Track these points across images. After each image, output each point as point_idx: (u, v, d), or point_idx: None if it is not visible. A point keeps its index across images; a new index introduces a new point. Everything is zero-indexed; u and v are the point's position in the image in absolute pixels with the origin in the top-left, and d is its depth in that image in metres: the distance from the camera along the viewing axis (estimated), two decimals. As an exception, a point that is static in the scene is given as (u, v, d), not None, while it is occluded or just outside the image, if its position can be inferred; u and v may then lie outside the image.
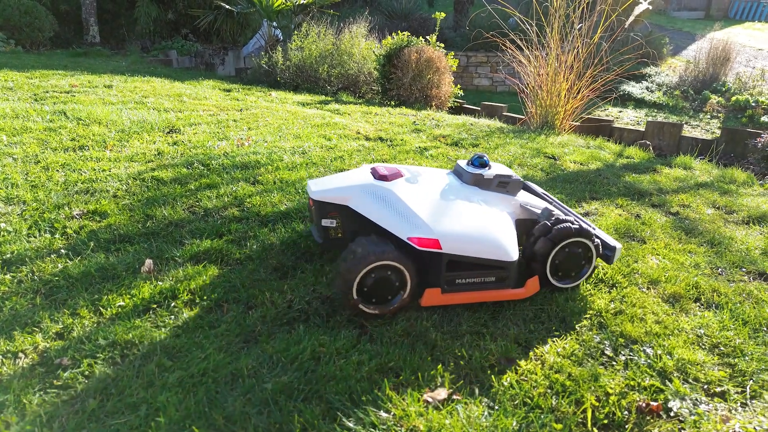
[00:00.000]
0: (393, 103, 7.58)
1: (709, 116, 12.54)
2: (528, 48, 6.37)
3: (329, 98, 7.47)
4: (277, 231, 2.87)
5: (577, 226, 2.39)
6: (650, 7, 5.94)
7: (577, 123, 6.64)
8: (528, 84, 6.48)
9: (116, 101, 5.51)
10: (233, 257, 2.61)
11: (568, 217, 2.45)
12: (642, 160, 5.01)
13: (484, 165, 2.63)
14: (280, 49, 8.31)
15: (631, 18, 5.84)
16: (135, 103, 5.48)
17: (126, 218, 2.92)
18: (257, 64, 8.67)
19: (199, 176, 3.56)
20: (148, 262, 2.48)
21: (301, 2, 9.45)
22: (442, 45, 7.63)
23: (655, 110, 13.00)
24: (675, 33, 19.60)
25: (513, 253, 2.28)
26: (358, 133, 4.99)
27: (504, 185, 2.60)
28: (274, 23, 9.58)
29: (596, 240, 2.46)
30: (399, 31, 7.61)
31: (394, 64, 7.44)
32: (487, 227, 2.32)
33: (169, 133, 4.52)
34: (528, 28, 6.28)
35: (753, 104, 12.47)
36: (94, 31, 12.27)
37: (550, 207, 2.58)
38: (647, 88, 14.23)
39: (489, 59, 14.58)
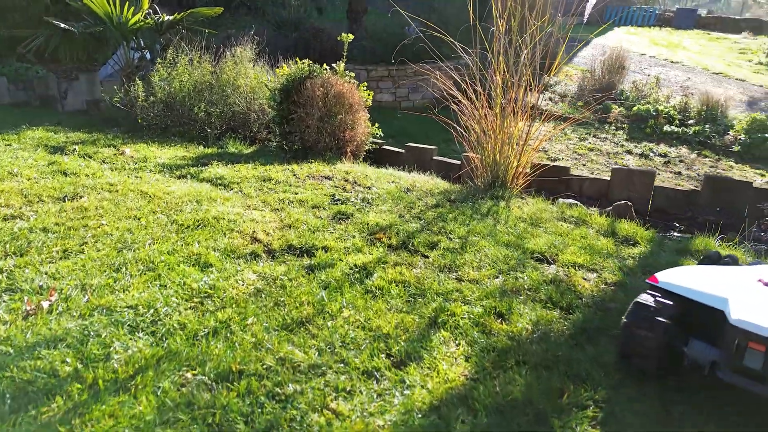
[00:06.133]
0: (296, 146, 5.69)
1: (614, 128, 11.87)
2: (469, 81, 4.77)
3: (211, 150, 5.41)
4: None
5: None
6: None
7: (528, 170, 5.16)
8: (471, 129, 4.88)
9: None
10: None
11: None
12: (647, 242, 3.56)
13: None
14: (139, 82, 6.07)
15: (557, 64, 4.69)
16: None
17: None
18: (109, 102, 6.37)
19: None
20: None
21: (167, 18, 7.20)
22: (353, 75, 5.84)
23: (562, 123, 12.18)
24: (561, 39, 19.23)
25: None
26: (255, 238, 3.09)
27: None
28: (133, 44, 7.27)
29: None
30: (297, 59, 5.71)
31: (295, 101, 5.54)
32: None
33: None
34: (470, 60, 4.68)
35: (653, 113, 11.96)
36: None
37: None
38: (551, 99, 13.41)
39: (390, 73, 12.98)
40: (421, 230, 3.39)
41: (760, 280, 2.14)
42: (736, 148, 10.07)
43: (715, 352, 1.94)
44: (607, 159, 10.04)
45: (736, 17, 23.37)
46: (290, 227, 3.29)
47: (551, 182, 5.04)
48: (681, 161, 9.85)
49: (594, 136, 11.54)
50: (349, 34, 5.86)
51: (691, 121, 11.53)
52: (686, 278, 2.14)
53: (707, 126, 11.19)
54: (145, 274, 2.57)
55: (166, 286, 2.47)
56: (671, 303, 2.02)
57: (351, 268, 2.80)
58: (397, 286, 2.65)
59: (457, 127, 4.96)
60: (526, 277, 2.85)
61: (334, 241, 3.12)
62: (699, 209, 4.70)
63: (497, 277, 2.85)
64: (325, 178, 4.48)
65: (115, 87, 6.80)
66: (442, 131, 5.48)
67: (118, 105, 6.24)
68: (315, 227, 3.31)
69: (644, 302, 2.05)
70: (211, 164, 4.68)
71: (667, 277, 2.15)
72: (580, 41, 18.54)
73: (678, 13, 22.63)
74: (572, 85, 14.38)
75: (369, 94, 5.92)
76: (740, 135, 10.41)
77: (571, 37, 5.58)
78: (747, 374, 1.86)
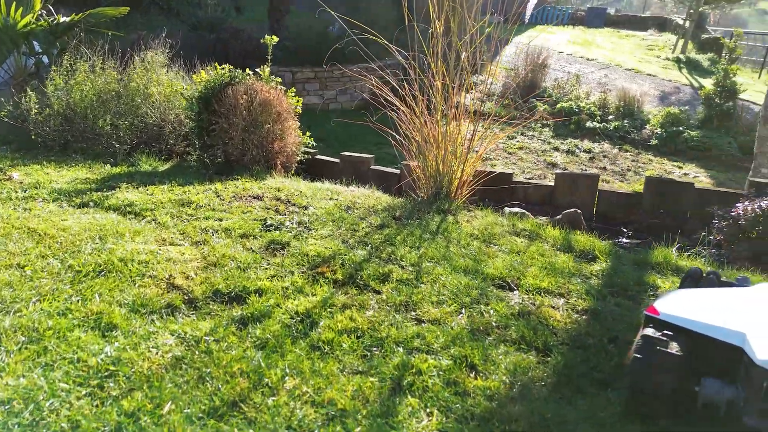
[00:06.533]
0: (219, 160, 5.10)
1: (540, 125, 12.01)
2: (408, 87, 4.42)
3: (120, 169, 4.70)
4: None
5: None
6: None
7: (472, 178, 4.87)
8: (411, 138, 4.52)
9: None
10: None
11: None
12: (606, 255, 3.33)
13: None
14: (31, 93, 5.22)
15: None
16: None
17: None
18: (-4, 116, 5.46)
19: None
20: None
21: (64, 20, 6.32)
22: (279, 80, 5.31)
23: (491, 123, 12.16)
24: (485, 39, 19.38)
25: None
26: (172, 284, 2.54)
27: None
28: (25, 49, 6.33)
29: None
30: (216, 64, 5.11)
31: (215, 111, 4.94)
32: None
33: None
34: (405, 62, 4.31)
35: (576, 110, 12.18)
36: None
37: None
38: (479, 98, 13.39)
39: (317, 75, 12.43)
40: (369, 258, 2.97)
41: None
42: (653, 142, 10.35)
43: (731, 389, 1.68)
44: (536, 157, 10.04)
45: (641, 15, 24.63)
46: (215, 266, 2.76)
47: (495, 190, 4.77)
48: (605, 156, 10.00)
49: (522, 134, 11.59)
50: (273, 36, 5.32)
51: (610, 117, 11.82)
52: (689, 308, 1.87)
53: (626, 121, 11.48)
54: (26, 348, 1.98)
55: (53, 365, 1.89)
56: (679, 340, 1.74)
57: (292, 317, 2.33)
58: (348, 336, 2.21)
59: (396, 135, 4.59)
60: (492, 311, 2.49)
61: (269, 281, 2.63)
62: (642, 212, 4.59)
63: (460, 313, 2.48)
64: (255, 198, 3.96)
65: (2, 99, 5.86)
66: (373, 133, 5.09)
67: (6, 120, 5.35)
68: (245, 264, 2.80)
69: (650, 344, 1.75)
70: (120, 187, 4.02)
71: (668, 307, 1.87)
72: (500, 40, 18.79)
73: (589, 12, 23.53)
74: (497, 83, 14.45)
75: (298, 101, 5.41)
76: (657, 129, 10.74)
77: (490, 35, 5.29)
78: None
